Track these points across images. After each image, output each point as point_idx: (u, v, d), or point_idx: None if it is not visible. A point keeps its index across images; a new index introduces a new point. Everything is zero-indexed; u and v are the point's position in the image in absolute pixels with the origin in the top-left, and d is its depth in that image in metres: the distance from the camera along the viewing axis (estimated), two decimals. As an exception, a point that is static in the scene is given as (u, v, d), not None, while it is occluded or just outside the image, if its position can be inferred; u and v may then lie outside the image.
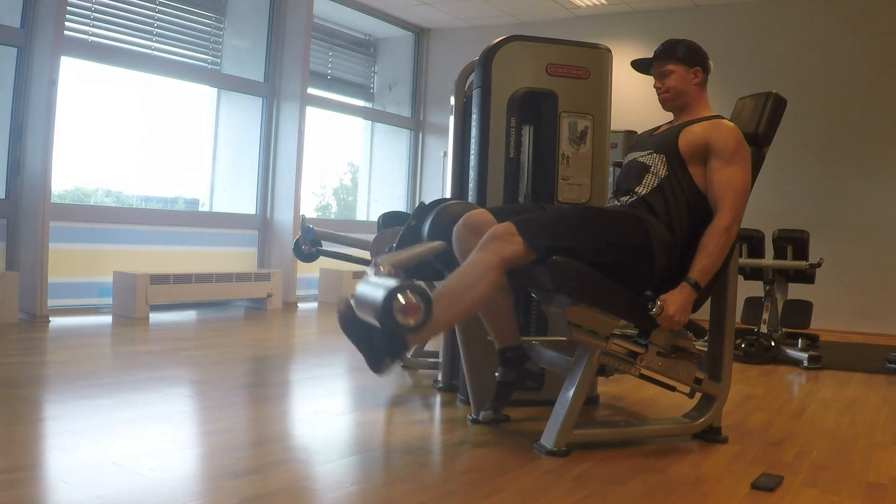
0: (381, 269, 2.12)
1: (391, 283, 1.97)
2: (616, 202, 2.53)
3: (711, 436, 2.54)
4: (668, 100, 2.57)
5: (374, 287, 2.01)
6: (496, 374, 2.62)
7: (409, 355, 2.46)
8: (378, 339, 2.07)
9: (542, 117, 2.92)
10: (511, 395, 2.57)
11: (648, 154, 2.50)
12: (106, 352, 4.00)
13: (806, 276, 4.61)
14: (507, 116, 2.90)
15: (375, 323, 1.98)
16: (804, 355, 4.26)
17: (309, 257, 3.98)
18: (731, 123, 2.46)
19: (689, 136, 2.43)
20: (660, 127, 2.66)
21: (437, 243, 2.44)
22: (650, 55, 2.63)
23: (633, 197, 2.46)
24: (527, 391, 2.67)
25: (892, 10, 6.12)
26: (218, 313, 5.60)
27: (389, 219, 3.43)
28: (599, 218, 2.41)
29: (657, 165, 2.45)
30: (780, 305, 4.74)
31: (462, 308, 2.20)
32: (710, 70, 2.58)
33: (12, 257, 4.76)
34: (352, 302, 2.10)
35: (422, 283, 2.04)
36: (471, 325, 2.63)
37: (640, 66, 2.63)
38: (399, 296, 1.93)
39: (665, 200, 2.40)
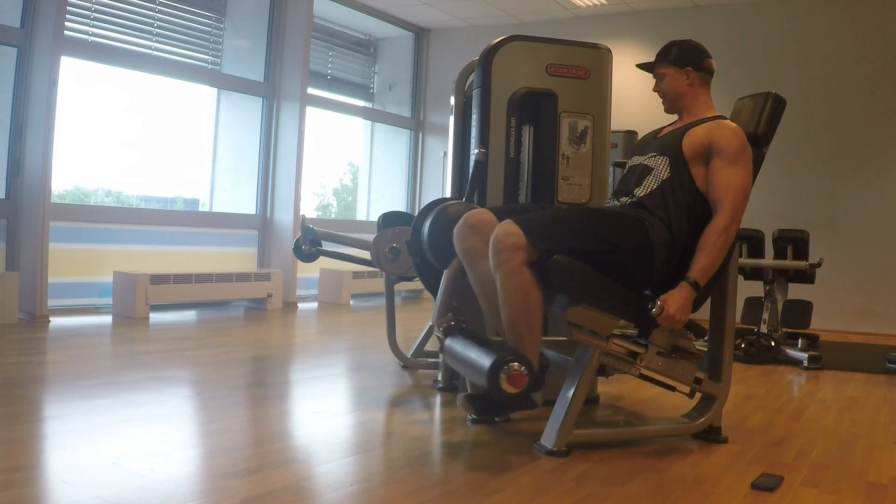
0: (442, 326, 2.42)
1: (486, 361, 2.08)
2: (615, 203, 2.53)
3: (711, 436, 2.54)
4: (665, 103, 2.59)
5: (472, 368, 2.16)
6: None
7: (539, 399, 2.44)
8: (507, 402, 2.24)
9: (542, 117, 2.92)
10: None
11: (652, 157, 2.50)
12: (106, 352, 4.00)
13: (806, 276, 4.61)
14: (507, 116, 2.89)
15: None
16: (804, 355, 4.26)
17: (309, 257, 3.97)
18: (734, 124, 2.46)
19: (693, 138, 2.43)
20: (663, 129, 2.65)
21: (454, 265, 2.48)
22: (649, 55, 2.65)
23: (631, 199, 2.46)
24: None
25: (892, 10, 6.12)
26: (218, 313, 5.60)
27: (389, 219, 3.43)
28: (600, 218, 2.41)
29: (660, 168, 2.45)
30: (780, 305, 4.73)
31: (536, 321, 2.25)
32: (710, 70, 2.56)
33: (12, 257, 4.76)
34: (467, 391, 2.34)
35: (510, 350, 2.16)
36: (471, 325, 2.63)
37: (646, 68, 2.65)
38: (502, 374, 2.06)
39: (665, 202, 2.39)
